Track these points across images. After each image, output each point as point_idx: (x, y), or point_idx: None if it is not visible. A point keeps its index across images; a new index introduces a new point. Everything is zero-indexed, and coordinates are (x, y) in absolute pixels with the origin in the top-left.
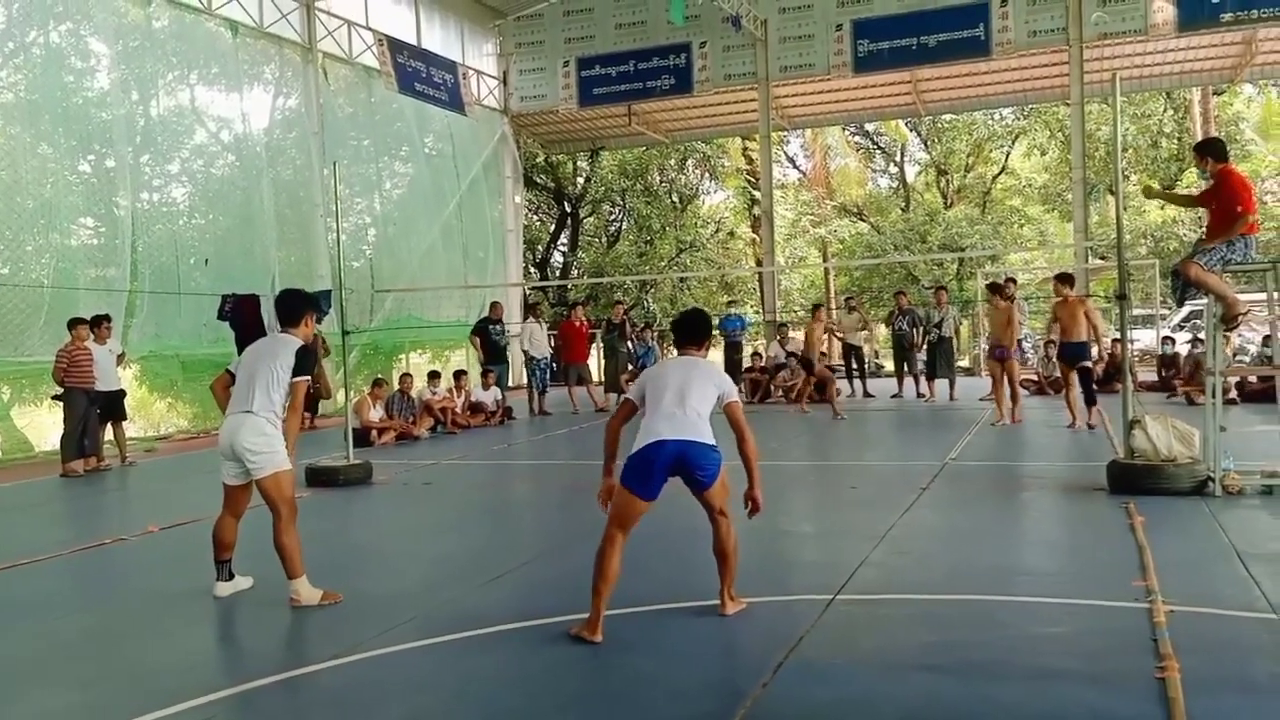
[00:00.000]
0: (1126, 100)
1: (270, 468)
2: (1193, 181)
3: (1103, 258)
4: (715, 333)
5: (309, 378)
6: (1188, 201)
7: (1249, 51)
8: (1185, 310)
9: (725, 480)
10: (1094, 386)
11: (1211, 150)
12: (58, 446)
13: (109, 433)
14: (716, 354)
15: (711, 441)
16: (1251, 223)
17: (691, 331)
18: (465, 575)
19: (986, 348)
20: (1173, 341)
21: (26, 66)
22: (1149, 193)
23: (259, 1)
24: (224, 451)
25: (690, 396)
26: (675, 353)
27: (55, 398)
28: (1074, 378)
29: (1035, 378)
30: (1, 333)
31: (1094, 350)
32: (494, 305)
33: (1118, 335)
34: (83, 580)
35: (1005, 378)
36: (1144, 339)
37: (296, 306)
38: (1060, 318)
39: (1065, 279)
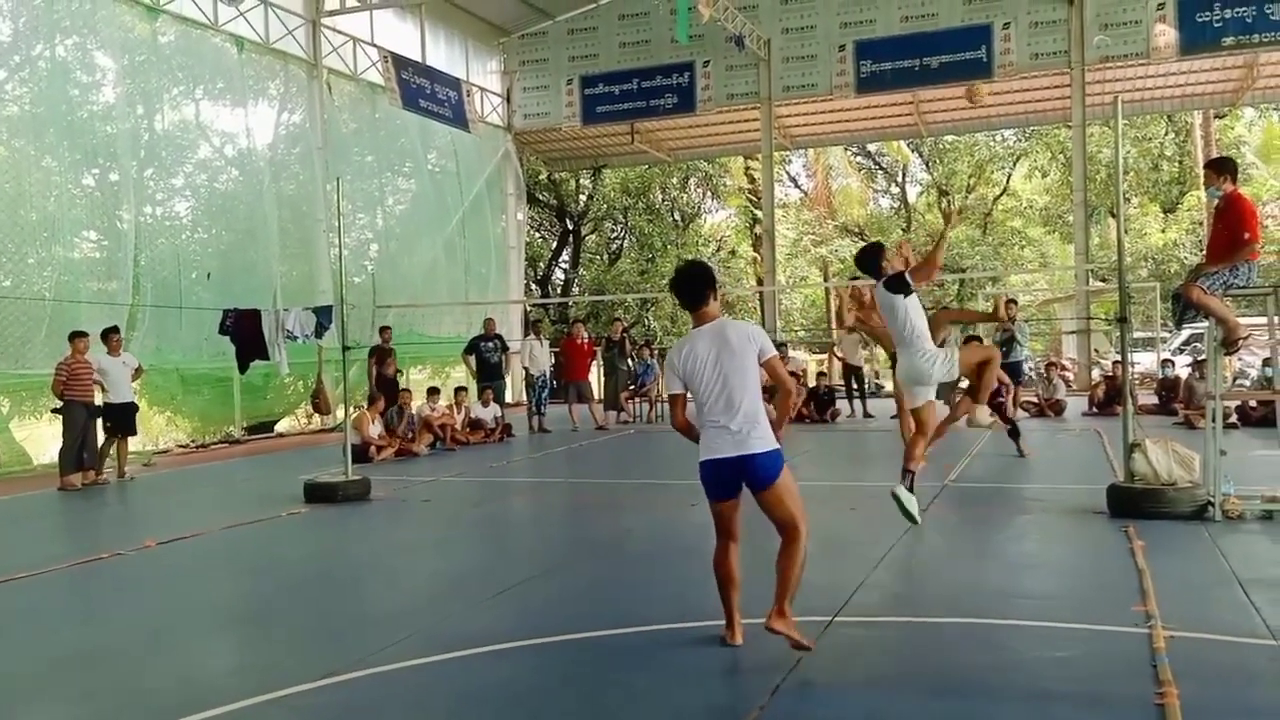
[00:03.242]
0: (1128, 123)
1: None
2: (1194, 204)
3: (1104, 280)
4: None
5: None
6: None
7: (1250, 75)
8: (1186, 333)
9: (794, 486)
10: None
11: (1228, 168)
12: (56, 459)
13: (112, 446)
14: None
15: (769, 447)
16: (1254, 249)
17: (694, 290)
18: (463, 593)
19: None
20: (1173, 365)
21: (32, 80)
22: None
23: (265, 18)
24: None
25: (736, 395)
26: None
27: (55, 411)
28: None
29: (1035, 400)
30: (2, 345)
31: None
32: (486, 322)
33: (1119, 358)
34: (79, 595)
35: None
36: (1144, 362)
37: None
38: None
39: None
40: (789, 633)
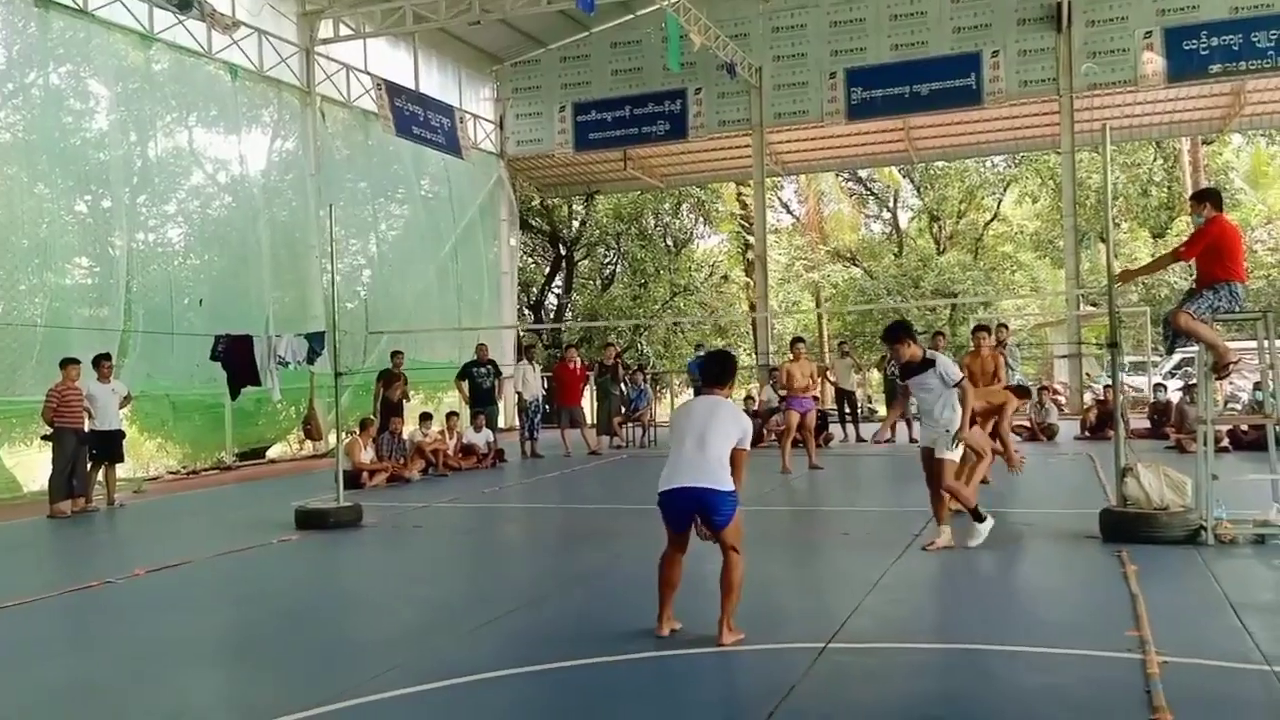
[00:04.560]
0: (1116, 149)
1: None
2: (1183, 229)
3: (1094, 304)
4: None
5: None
6: (1168, 259)
7: (1237, 102)
8: (1177, 357)
9: (740, 521)
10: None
11: (1208, 197)
12: (46, 487)
13: (100, 473)
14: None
15: (728, 487)
16: (1236, 269)
17: (713, 373)
18: (454, 621)
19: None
20: (1165, 389)
21: (25, 107)
22: (1126, 276)
23: (259, 45)
24: None
25: (711, 441)
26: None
27: (45, 438)
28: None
29: (1028, 424)
30: None
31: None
32: (479, 347)
33: (1109, 382)
34: (67, 624)
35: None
36: (1136, 384)
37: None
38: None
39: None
40: (737, 638)
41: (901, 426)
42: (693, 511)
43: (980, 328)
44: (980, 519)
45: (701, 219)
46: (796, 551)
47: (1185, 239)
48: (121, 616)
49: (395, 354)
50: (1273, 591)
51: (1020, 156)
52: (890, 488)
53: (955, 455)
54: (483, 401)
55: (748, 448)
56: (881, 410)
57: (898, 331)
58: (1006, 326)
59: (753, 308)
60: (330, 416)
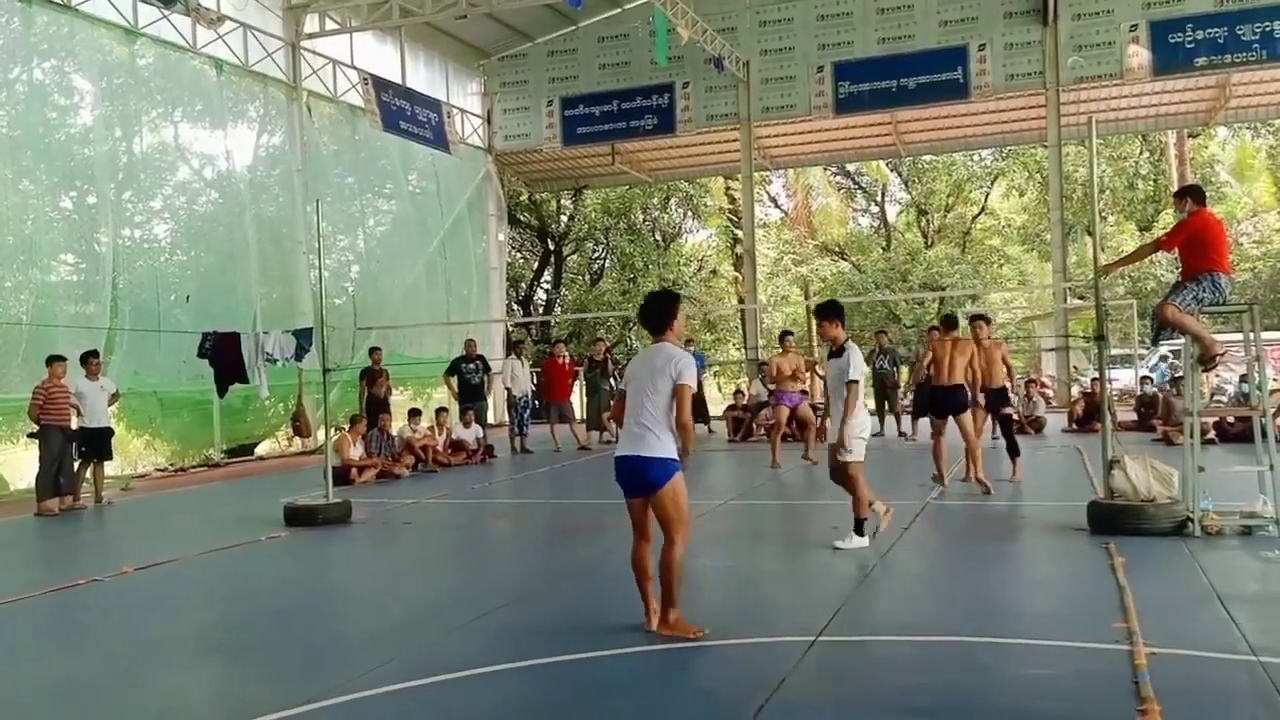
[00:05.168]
0: (1103, 143)
1: None
2: (1169, 222)
3: (1081, 297)
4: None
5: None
6: (1149, 249)
7: (1223, 95)
8: (1164, 349)
9: (679, 498)
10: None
11: (1188, 193)
12: (33, 485)
13: (88, 471)
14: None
15: (659, 454)
16: (1220, 260)
17: (649, 317)
18: (445, 617)
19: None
20: (1151, 381)
21: (9, 103)
22: (1108, 268)
23: (244, 40)
24: None
25: (644, 407)
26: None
27: (31, 435)
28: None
29: (1015, 417)
30: None
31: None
32: (468, 343)
33: (1096, 374)
34: (55, 623)
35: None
36: (1123, 379)
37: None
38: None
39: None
40: (676, 633)
41: (890, 420)
42: (636, 479)
43: (977, 317)
44: (860, 532)
45: (690, 213)
46: (786, 545)
47: (1169, 229)
48: (110, 614)
49: (373, 350)
50: (1259, 582)
51: (1007, 150)
52: (879, 482)
53: (852, 457)
54: (472, 397)
55: (686, 382)
56: (870, 404)
57: (828, 310)
58: (988, 320)
59: (741, 302)
60: (319, 413)
